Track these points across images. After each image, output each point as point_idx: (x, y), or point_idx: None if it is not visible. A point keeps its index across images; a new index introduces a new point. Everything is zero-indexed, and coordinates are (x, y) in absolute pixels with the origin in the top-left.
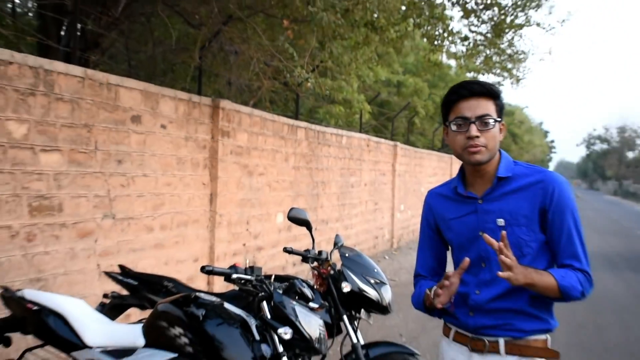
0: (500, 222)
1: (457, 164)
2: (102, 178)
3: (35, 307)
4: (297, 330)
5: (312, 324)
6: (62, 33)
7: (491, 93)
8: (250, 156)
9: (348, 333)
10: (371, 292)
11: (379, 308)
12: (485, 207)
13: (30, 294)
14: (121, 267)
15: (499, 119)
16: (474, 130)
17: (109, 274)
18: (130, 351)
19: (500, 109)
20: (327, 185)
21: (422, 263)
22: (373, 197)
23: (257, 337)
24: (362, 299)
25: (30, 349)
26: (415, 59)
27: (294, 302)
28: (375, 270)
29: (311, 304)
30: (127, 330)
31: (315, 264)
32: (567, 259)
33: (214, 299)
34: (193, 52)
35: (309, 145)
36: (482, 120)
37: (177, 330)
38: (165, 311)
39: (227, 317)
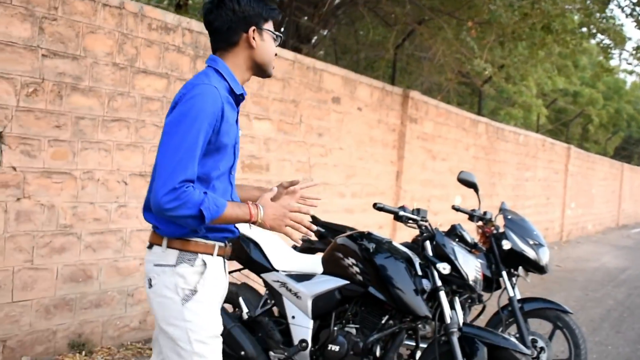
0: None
1: (628, 172)
2: (304, 147)
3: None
4: (454, 268)
5: (469, 264)
6: (282, 29)
7: None
8: (434, 142)
9: (506, 287)
10: (529, 252)
11: (537, 267)
12: (237, 123)
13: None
14: (312, 217)
15: None
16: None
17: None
18: (309, 276)
19: None
20: (503, 176)
21: (193, 169)
22: (545, 192)
23: (420, 273)
24: (521, 258)
25: (230, 272)
26: (591, 71)
27: (454, 243)
28: (535, 233)
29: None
30: (309, 260)
31: (480, 223)
32: None
33: (385, 237)
34: (389, 49)
35: (488, 139)
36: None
37: (350, 261)
38: (342, 244)
39: (394, 253)
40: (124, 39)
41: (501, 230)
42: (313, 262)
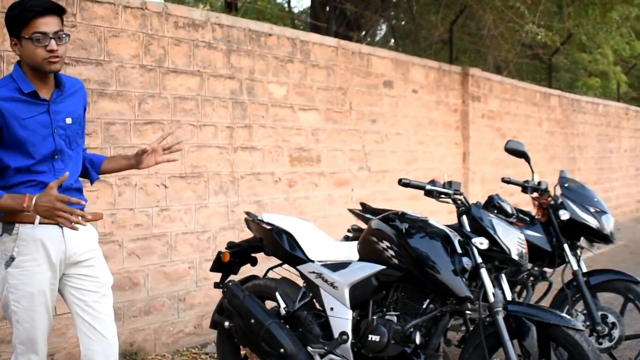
0: (69, 120)
1: None
2: (356, 135)
3: (269, 227)
4: (494, 242)
5: (510, 237)
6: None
7: (60, 10)
8: (502, 120)
9: (568, 261)
10: (591, 220)
11: (600, 236)
12: (55, 108)
13: (267, 216)
14: (362, 204)
15: (68, 34)
16: (54, 44)
17: (351, 211)
18: (345, 264)
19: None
20: (583, 150)
21: None
22: (634, 164)
23: (459, 251)
24: (582, 228)
25: (272, 268)
26: None
27: (492, 215)
28: (596, 200)
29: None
30: (345, 247)
31: (535, 194)
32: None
33: (420, 216)
34: (444, 27)
35: (563, 112)
36: (57, 35)
37: (384, 244)
38: (376, 227)
39: (429, 231)
40: (150, 39)
41: (560, 200)
42: (349, 250)
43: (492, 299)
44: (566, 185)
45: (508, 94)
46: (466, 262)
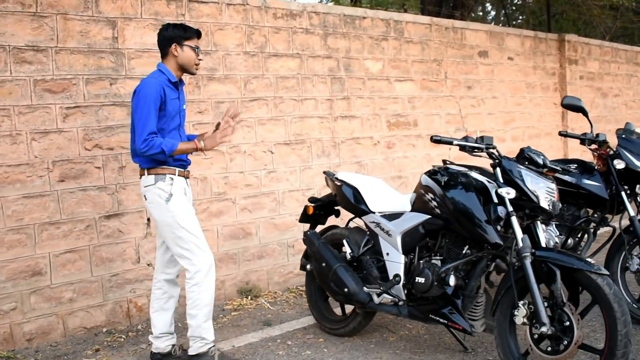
0: (184, 107)
1: None
2: (452, 100)
3: (339, 183)
4: (523, 192)
5: (539, 186)
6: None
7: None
8: (602, 80)
9: (626, 208)
10: None
11: None
12: (181, 97)
13: (341, 174)
14: (443, 161)
15: None
16: (200, 56)
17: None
18: (399, 215)
19: None
20: None
21: (153, 126)
22: None
23: (495, 200)
24: (637, 175)
25: (351, 219)
26: None
27: (521, 167)
28: None
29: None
30: (403, 199)
31: (594, 146)
32: None
33: (463, 169)
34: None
35: None
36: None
37: (429, 196)
38: (423, 181)
39: (467, 183)
40: (252, 30)
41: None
42: (405, 202)
43: (520, 244)
44: (623, 135)
45: (608, 56)
46: (501, 210)
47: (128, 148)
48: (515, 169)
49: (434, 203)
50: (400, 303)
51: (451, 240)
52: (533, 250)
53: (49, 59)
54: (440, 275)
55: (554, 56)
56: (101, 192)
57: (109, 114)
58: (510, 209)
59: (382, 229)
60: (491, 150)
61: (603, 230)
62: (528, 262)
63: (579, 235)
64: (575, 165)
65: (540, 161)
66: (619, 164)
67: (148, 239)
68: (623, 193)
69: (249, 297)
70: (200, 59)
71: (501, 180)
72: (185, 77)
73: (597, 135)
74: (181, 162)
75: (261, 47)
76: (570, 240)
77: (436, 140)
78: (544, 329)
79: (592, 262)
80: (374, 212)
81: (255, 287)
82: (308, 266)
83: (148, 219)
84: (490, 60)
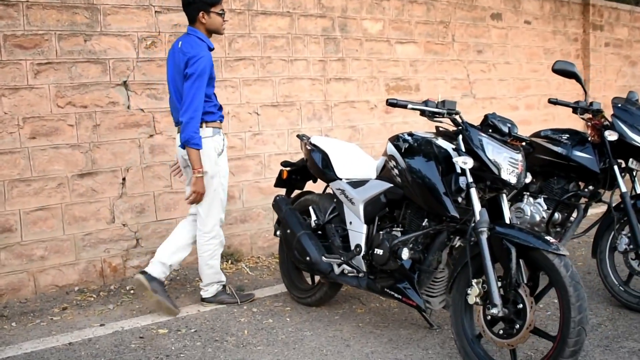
0: None
1: None
2: (460, 65)
3: (309, 147)
4: (482, 162)
5: (502, 156)
6: None
7: None
8: (631, 48)
9: (617, 183)
10: None
11: None
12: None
13: (316, 138)
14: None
15: None
16: (226, 17)
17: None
18: (364, 182)
19: None
20: None
21: (201, 101)
22: None
23: (458, 170)
24: (631, 148)
25: (328, 185)
26: None
27: (484, 135)
28: None
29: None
30: (370, 165)
31: (587, 115)
32: None
33: (428, 135)
34: None
35: None
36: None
37: (392, 163)
38: (387, 147)
39: (427, 151)
40: None
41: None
42: (373, 168)
43: (477, 218)
44: (619, 105)
45: (639, 23)
46: (462, 181)
47: (102, 106)
48: (476, 136)
49: (395, 171)
50: (361, 275)
51: (413, 212)
52: (491, 226)
53: (20, 13)
54: (393, 247)
55: (577, 21)
56: (74, 150)
57: (83, 71)
58: (470, 179)
59: (346, 197)
60: (454, 116)
61: (599, 207)
62: (484, 238)
63: (568, 211)
64: (567, 135)
65: (506, 129)
66: (611, 136)
67: (123, 199)
68: (615, 167)
69: (229, 262)
70: (226, 21)
71: (463, 149)
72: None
73: (591, 103)
74: (221, 116)
75: (248, 4)
76: (557, 215)
77: (391, 104)
78: (494, 310)
79: (552, 240)
80: (340, 179)
81: (237, 252)
82: (278, 232)
83: (124, 179)
84: (504, 23)
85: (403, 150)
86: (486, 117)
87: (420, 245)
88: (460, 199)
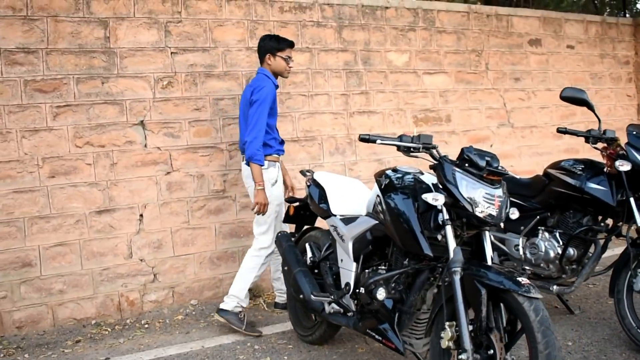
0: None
1: None
2: (495, 93)
3: (308, 183)
4: (455, 198)
5: (476, 192)
6: None
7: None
8: None
9: (634, 217)
10: None
11: None
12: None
13: (319, 174)
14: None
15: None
16: (291, 63)
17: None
18: (355, 218)
19: None
20: None
21: (264, 125)
22: None
23: (439, 207)
24: None
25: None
26: None
27: (457, 170)
28: None
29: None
30: (362, 202)
31: (601, 145)
32: None
33: (413, 170)
34: None
35: None
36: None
37: (376, 200)
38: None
39: (407, 186)
40: (255, 25)
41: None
42: (365, 204)
43: (451, 256)
44: (634, 132)
45: None
46: (441, 218)
47: (119, 145)
48: (450, 171)
49: (379, 207)
50: (350, 314)
51: (397, 250)
52: (466, 266)
53: (40, 60)
54: (369, 287)
55: (628, 43)
56: (92, 188)
57: (100, 112)
58: (447, 216)
59: (338, 233)
60: (431, 150)
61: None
62: (457, 278)
63: (585, 247)
64: (583, 166)
65: (482, 163)
66: (623, 166)
67: (141, 235)
68: (632, 199)
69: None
70: (291, 66)
71: (440, 185)
72: (199, 75)
73: (604, 132)
74: (279, 150)
75: None
76: (572, 251)
77: (363, 139)
78: (463, 356)
79: (524, 282)
80: (335, 215)
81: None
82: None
83: (141, 215)
84: (543, 49)
85: (383, 187)
86: (462, 150)
87: (402, 285)
88: (440, 237)
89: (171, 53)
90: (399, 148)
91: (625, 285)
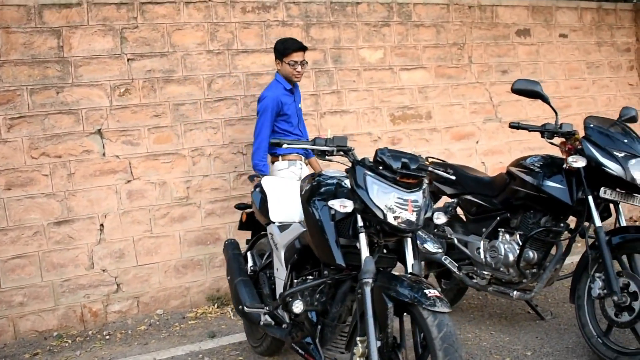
0: (300, 105)
1: None
2: (480, 87)
3: (253, 189)
4: (365, 204)
5: (387, 197)
6: None
7: (305, 48)
8: None
9: (591, 216)
10: (611, 166)
11: (624, 185)
12: (297, 98)
13: (265, 179)
14: (427, 158)
15: (307, 61)
16: (299, 68)
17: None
18: (289, 225)
19: None
20: None
21: (265, 136)
22: None
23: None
24: (602, 175)
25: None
26: None
27: (370, 173)
28: (626, 141)
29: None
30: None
31: (558, 139)
32: None
33: (338, 174)
34: None
35: None
36: (301, 63)
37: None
38: None
39: (324, 194)
40: (215, 27)
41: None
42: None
43: (362, 267)
44: (591, 125)
45: None
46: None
47: (76, 155)
48: (361, 175)
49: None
50: (284, 326)
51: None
52: (375, 277)
53: None
54: (285, 299)
55: (628, 29)
56: (49, 199)
57: (56, 122)
58: (361, 223)
59: (274, 241)
60: (347, 152)
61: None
62: (367, 290)
63: (545, 249)
64: (542, 162)
65: (397, 165)
66: (577, 162)
67: (102, 245)
68: (590, 197)
69: (216, 305)
70: (298, 71)
71: (349, 188)
72: (157, 81)
73: (561, 125)
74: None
75: (227, 44)
76: (532, 254)
77: (273, 144)
78: None
79: (431, 294)
80: (273, 222)
81: (226, 295)
82: (228, 277)
83: (102, 225)
84: (533, 39)
85: (303, 192)
86: (376, 152)
87: (325, 296)
88: (358, 245)
89: (128, 59)
90: (313, 151)
91: (586, 290)
